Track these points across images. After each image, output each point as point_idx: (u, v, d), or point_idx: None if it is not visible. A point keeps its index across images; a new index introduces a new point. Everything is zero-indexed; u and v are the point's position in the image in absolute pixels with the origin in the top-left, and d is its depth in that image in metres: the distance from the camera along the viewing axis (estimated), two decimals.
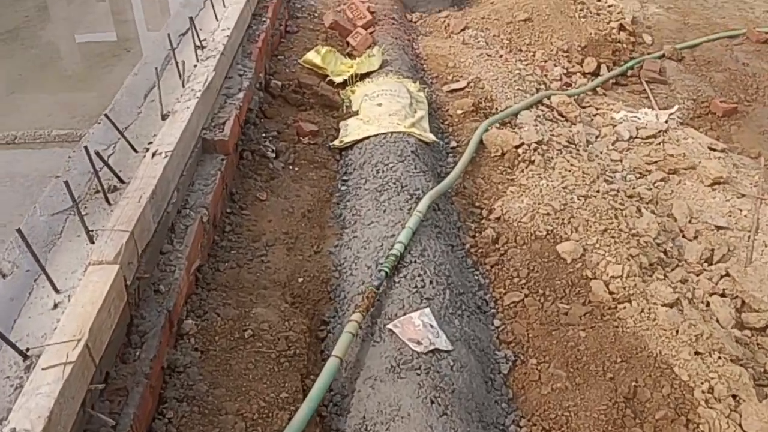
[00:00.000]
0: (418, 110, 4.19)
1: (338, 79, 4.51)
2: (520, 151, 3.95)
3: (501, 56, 5.40)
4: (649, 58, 6.12)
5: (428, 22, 5.99)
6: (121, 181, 2.46)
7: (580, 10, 6.42)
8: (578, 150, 4.25)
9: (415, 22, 6.03)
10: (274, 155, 3.68)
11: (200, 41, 3.66)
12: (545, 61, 5.70)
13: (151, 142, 2.74)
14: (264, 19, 4.53)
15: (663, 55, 6.27)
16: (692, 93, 5.67)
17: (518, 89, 4.83)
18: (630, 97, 5.60)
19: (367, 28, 5.27)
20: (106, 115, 2.55)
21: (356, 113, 4.23)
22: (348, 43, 5.13)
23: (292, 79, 4.34)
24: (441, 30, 5.84)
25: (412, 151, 3.68)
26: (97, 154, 2.32)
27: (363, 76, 4.61)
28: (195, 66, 3.48)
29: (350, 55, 4.99)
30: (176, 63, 3.28)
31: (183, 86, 3.26)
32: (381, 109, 4.09)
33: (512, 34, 5.88)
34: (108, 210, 2.32)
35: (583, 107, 5.26)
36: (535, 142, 4.03)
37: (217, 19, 4.07)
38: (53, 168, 2.64)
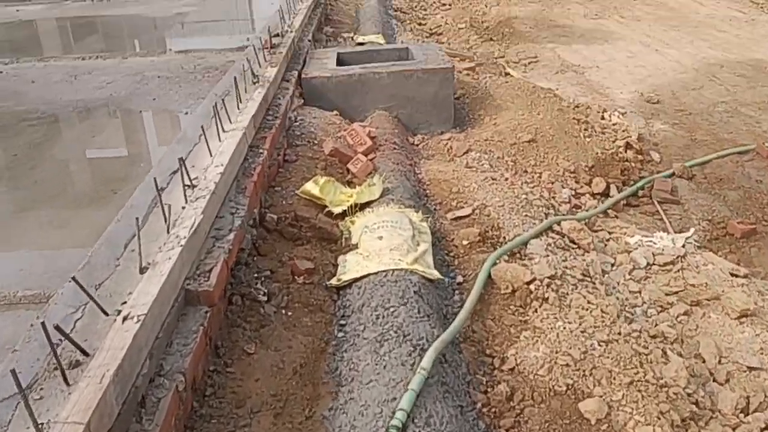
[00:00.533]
0: (422, 243, 3.93)
1: (337, 210, 4.29)
2: (532, 287, 3.65)
3: (506, 179, 5.21)
4: (659, 177, 5.93)
5: (430, 145, 5.85)
6: (85, 353, 2.16)
7: (585, 129, 6.30)
8: (594, 283, 3.95)
9: (417, 145, 5.89)
10: (266, 298, 3.39)
11: (190, 180, 3.46)
12: (552, 183, 5.50)
13: (125, 302, 2.47)
14: (261, 150, 4.37)
15: (673, 174, 6.08)
16: (707, 213, 5.42)
17: (526, 215, 4.59)
18: (643, 219, 5.36)
19: (367, 154, 5.11)
20: (73, 278, 2.28)
21: (356, 246, 3.98)
22: (348, 170, 4.95)
23: (289, 211, 4.11)
24: (444, 153, 5.68)
25: (415, 292, 3.39)
26: (57, 328, 2.03)
27: (363, 206, 4.39)
28: (183, 208, 3.26)
29: (350, 183, 4.80)
30: (162, 207, 3.05)
31: (168, 231, 3.02)
32: (382, 242, 3.84)
33: (517, 155, 5.72)
34: (66, 392, 2.01)
35: (595, 231, 5.01)
36: (548, 277, 3.74)
37: (211, 155, 3.89)
38: (15, 336, 2.35)
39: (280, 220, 4.05)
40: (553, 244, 4.35)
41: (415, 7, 13.99)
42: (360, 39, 8.95)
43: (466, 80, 7.48)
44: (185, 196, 3.32)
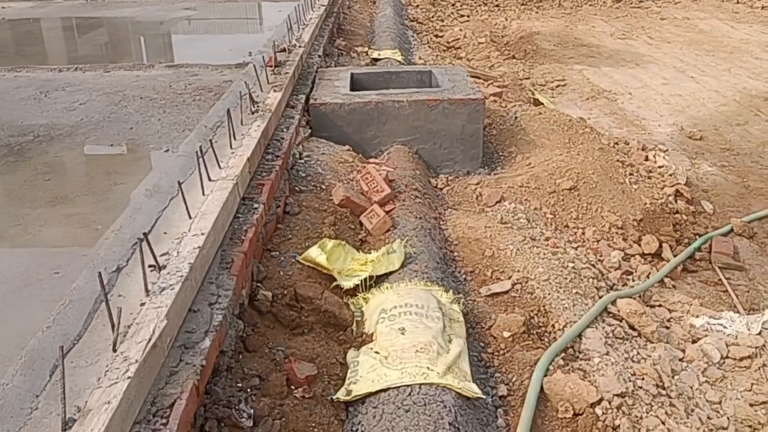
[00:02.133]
0: (454, 338, 3.03)
1: (348, 284, 3.39)
2: (598, 411, 2.76)
3: (547, 239, 4.31)
4: (716, 234, 5.04)
5: (456, 190, 4.94)
6: None
7: (630, 174, 5.40)
8: (671, 397, 3.06)
9: (441, 189, 4.99)
10: (251, 423, 2.50)
11: (156, 261, 2.56)
12: (597, 241, 4.60)
13: None
14: (256, 205, 3.47)
15: (731, 230, 5.18)
16: None
17: (576, 292, 3.70)
18: (704, 290, 4.46)
19: (384, 205, 4.22)
20: None
21: (370, 337, 3.09)
22: (361, 224, 4.06)
23: (288, 287, 3.22)
24: (472, 201, 4.78)
25: (450, 423, 2.50)
26: None
27: (380, 276, 3.50)
28: (142, 304, 2.36)
29: (364, 242, 3.91)
30: (109, 313, 2.16)
31: (114, 349, 2.13)
32: (404, 339, 2.94)
33: (556, 206, 4.82)
34: None
35: (652, 306, 4.11)
36: (618, 395, 2.85)
37: (190, 216, 3.00)
38: None
39: (276, 299, 3.15)
40: (612, 333, 3.46)
41: (432, 17, 13.09)
42: (375, 54, 8.06)
43: (492, 108, 6.58)
44: (146, 286, 2.43)
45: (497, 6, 14.85)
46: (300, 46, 6.18)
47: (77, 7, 10.14)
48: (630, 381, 2.98)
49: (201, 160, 3.32)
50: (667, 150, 6.73)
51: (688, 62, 10.08)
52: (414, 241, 3.78)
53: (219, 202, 3.14)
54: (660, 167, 5.96)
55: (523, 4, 14.80)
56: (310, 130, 5.10)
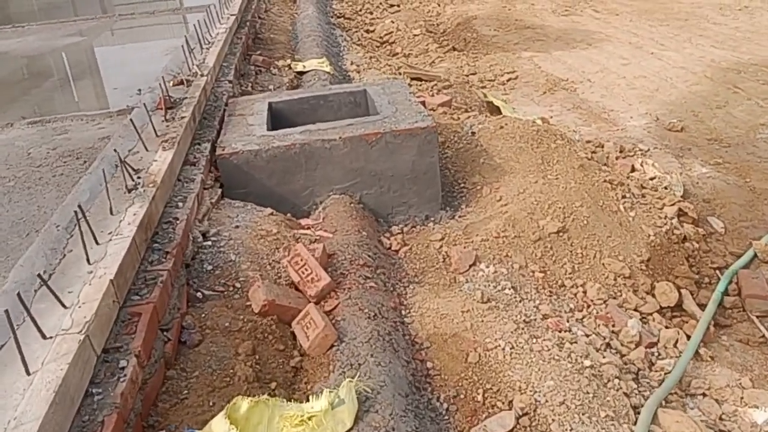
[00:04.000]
0: None
1: None
2: None
3: (545, 317, 3.18)
4: (739, 267, 4.00)
5: (416, 252, 3.76)
6: None
7: (623, 196, 4.32)
8: None
9: (397, 252, 3.81)
10: None
11: None
12: (604, 302, 3.50)
13: None
14: (124, 362, 2.23)
15: (754, 257, 4.15)
16: None
17: (606, 416, 2.57)
18: (748, 355, 3.40)
19: (323, 299, 3.02)
20: None
21: None
22: (294, 335, 2.85)
23: None
24: (439, 267, 3.61)
25: None
26: None
27: None
28: None
29: (299, 370, 2.71)
30: None
31: None
32: None
33: (545, 258, 3.69)
34: None
35: (692, 394, 3.04)
36: None
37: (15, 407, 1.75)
38: None
39: None
40: None
41: (360, 10, 11.80)
42: (300, 67, 6.79)
43: (443, 122, 5.42)
44: None
45: None
46: (203, 75, 4.88)
47: None
48: None
49: (29, 307, 2.06)
50: (648, 150, 5.69)
51: (643, 36, 9.08)
52: (369, 365, 2.59)
53: (51, 385, 1.90)
54: (651, 179, 4.89)
55: None
56: (220, 191, 3.85)
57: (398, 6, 12.36)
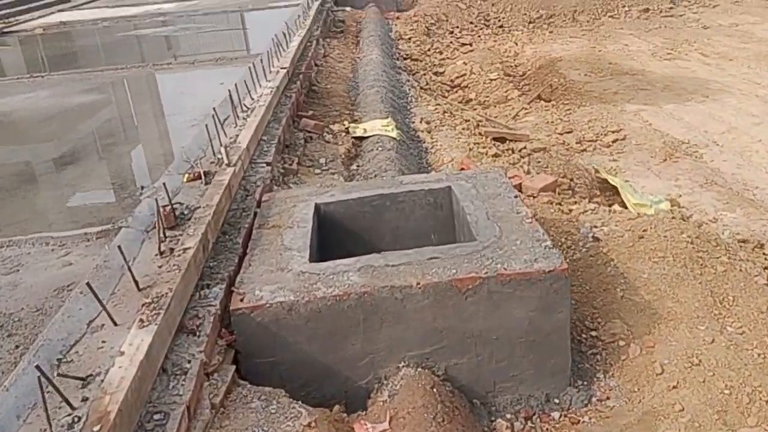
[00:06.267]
0: None
1: None
2: None
3: None
4: None
5: None
6: None
7: None
8: None
9: None
10: None
11: None
12: None
13: None
14: None
15: None
16: None
17: None
18: None
19: None
20: None
21: None
22: None
23: None
24: None
25: None
26: None
27: None
28: None
29: None
30: None
31: None
32: None
33: None
34: None
35: None
36: None
37: None
38: None
39: None
40: None
41: (428, 50, 10.40)
42: (360, 131, 5.40)
43: (549, 217, 3.95)
44: None
45: (501, 27, 12.20)
46: (230, 164, 3.52)
47: None
48: None
49: None
50: None
51: None
52: None
53: None
54: None
55: (531, 23, 12.15)
56: (232, 370, 2.43)
57: (470, 45, 10.95)
